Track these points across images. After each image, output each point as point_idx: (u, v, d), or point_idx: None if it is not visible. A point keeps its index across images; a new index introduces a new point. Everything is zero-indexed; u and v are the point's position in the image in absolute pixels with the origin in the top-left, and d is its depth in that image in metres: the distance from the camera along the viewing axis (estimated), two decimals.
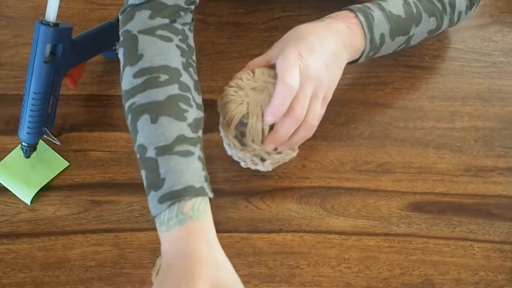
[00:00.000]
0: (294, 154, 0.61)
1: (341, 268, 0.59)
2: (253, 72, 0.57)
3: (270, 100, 0.54)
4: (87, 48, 0.65)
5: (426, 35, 0.64)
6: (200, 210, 0.48)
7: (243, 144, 0.57)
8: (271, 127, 0.55)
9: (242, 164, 0.62)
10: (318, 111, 0.56)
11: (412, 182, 0.63)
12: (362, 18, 0.57)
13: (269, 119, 0.53)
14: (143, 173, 0.51)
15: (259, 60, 0.59)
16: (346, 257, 0.60)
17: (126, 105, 0.53)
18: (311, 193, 0.63)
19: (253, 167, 0.61)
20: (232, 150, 0.59)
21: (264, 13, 0.75)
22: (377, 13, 0.58)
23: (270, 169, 0.61)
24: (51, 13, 0.56)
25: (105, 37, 0.68)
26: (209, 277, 0.44)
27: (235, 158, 0.62)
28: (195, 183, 0.49)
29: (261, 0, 0.75)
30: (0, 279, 0.59)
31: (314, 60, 0.54)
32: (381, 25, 0.58)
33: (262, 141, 0.56)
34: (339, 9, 0.62)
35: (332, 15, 0.59)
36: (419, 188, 0.63)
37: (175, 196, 0.47)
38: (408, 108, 0.68)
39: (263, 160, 0.60)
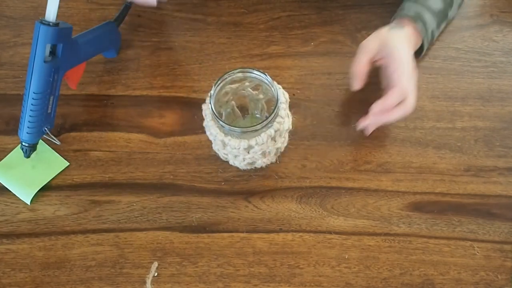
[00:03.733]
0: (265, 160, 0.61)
1: (341, 268, 0.59)
2: None
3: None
4: (87, 48, 0.65)
5: (457, 10, 0.72)
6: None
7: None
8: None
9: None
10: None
11: (412, 182, 0.63)
12: (420, 24, 0.65)
13: (376, 111, 0.60)
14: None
15: (363, 59, 0.63)
16: (346, 257, 0.59)
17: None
18: (311, 193, 0.63)
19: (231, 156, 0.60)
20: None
21: (264, 13, 0.75)
22: (427, 16, 0.66)
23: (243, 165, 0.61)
24: (51, 13, 0.56)
25: (105, 37, 0.68)
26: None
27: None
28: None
29: (261, 0, 0.76)
30: (0, 279, 0.59)
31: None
32: (431, 24, 0.67)
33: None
34: (339, 9, 0.62)
35: (404, 25, 0.65)
36: (419, 188, 0.63)
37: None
38: None
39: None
